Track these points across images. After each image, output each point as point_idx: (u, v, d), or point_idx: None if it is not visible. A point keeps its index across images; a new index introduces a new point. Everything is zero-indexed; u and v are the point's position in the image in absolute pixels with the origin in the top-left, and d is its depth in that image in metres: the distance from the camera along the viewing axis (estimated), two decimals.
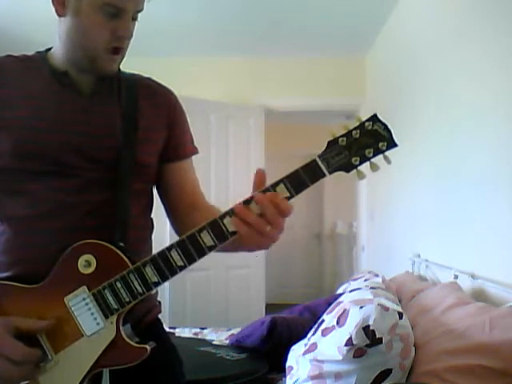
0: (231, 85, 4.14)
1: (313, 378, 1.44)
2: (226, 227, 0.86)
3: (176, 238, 0.91)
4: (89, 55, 0.98)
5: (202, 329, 2.83)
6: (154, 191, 1.15)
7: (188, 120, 1.17)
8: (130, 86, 1.07)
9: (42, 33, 3.36)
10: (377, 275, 2.36)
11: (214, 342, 2.40)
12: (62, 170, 0.97)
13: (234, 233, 0.87)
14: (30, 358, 0.88)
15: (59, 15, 0.97)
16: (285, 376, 1.71)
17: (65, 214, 0.97)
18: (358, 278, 2.44)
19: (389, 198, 3.42)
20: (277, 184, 0.85)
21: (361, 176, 0.86)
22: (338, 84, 4.14)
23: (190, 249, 0.87)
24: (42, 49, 1.07)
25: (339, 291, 2.51)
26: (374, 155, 0.85)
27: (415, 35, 2.82)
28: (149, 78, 1.14)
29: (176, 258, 0.88)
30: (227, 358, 2.07)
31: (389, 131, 0.85)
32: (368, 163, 0.86)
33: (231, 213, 0.86)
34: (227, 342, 2.42)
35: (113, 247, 0.94)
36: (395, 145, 0.85)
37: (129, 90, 1.06)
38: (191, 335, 2.70)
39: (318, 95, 4.16)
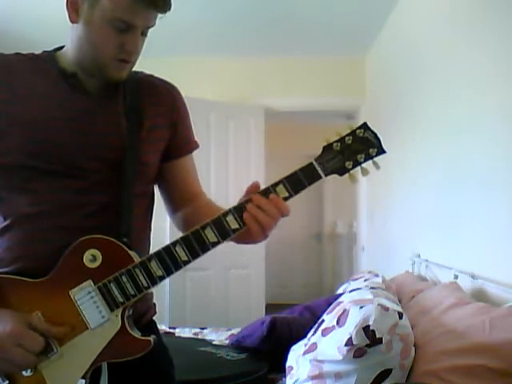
0: (231, 85, 4.14)
1: (313, 378, 1.44)
2: (228, 224, 0.91)
3: (175, 237, 0.94)
4: (97, 63, 0.98)
5: (202, 329, 2.83)
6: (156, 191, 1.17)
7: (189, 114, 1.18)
8: (133, 85, 1.08)
9: (41, 32, 3.37)
10: (377, 275, 2.36)
11: (214, 342, 2.40)
12: (68, 170, 0.98)
13: (235, 230, 0.92)
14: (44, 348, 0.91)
15: (72, 21, 0.98)
16: (285, 376, 1.72)
17: (68, 214, 0.98)
18: (358, 278, 2.44)
19: (389, 198, 3.42)
20: (276, 184, 0.92)
21: (353, 179, 0.94)
22: (338, 84, 4.14)
23: (194, 244, 0.92)
24: (48, 48, 1.07)
25: (339, 291, 2.51)
26: (365, 160, 0.93)
27: (415, 35, 2.82)
28: (151, 75, 1.14)
29: (181, 253, 0.92)
30: (227, 357, 2.07)
31: (378, 139, 0.93)
32: (359, 168, 0.94)
33: (234, 210, 0.92)
34: (227, 341, 2.42)
35: (119, 242, 0.96)
36: (384, 151, 0.93)
37: (132, 89, 1.07)
38: (191, 335, 2.70)
39: (318, 95, 4.16)
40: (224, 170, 4.02)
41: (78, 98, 1.01)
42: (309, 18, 3.39)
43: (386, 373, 1.35)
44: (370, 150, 0.93)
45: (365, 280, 2.27)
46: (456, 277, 1.99)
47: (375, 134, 0.93)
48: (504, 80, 1.74)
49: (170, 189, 1.17)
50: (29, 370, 0.91)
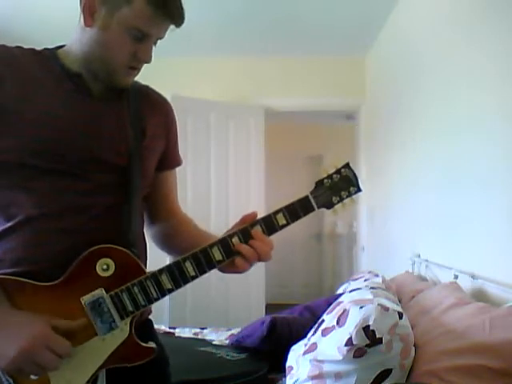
0: (231, 85, 4.14)
1: (313, 378, 1.44)
2: (234, 246, 0.99)
3: None
4: (107, 68, 1.00)
5: (202, 329, 2.83)
6: None
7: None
8: (134, 93, 1.10)
9: (42, 32, 3.37)
10: (377, 275, 2.36)
11: (214, 342, 2.40)
12: (71, 169, 0.97)
13: (239, 252, 1.00)
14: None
15: (86, 25, 0.98)
16: (285, 376, 1.72)
17: (73, 216, 0.98)
18: (358, 278, 2.44)
19: (389, 198, 3.42)
20: (277, 212, 1.01)
21: (335, 213, 1.07)
22: (338, 84, 4.14)
23: (202, 261, 0.99)
24: (50, 46, 1.07)
25: (339, 291, 2.51)
26: (347, 197, 1.06)
27: (415, 35, 2.82)
28: (147, 87, 1.17)
29: (190, 268, 0.99)
30: (227, 357, 2.07)
31: (356, 178, 1.07)
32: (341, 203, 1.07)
33: (240, 234, 1.00)
34: (227, 342, 2.41)
35: (131, 254, 0.98)
36: (360, 190, 1.07)
37: (134, 97, 1.09)
38: (191, 335, 2.70)
39: (318, 95, 4.16)
40: (224, 170, 4.01)
41: (83, 98, 1.01)
42: (309, 18, 3.39)
43: (385, 373, 1.35)
44: (351, 189, 1.06)
45: (365, 280, 2.27)
46: (456, 277, 1.99)
47: (354, 173, 1.07)
48: (504, 80, 1.74)
49: (149, 201, 1.17)
50: None
